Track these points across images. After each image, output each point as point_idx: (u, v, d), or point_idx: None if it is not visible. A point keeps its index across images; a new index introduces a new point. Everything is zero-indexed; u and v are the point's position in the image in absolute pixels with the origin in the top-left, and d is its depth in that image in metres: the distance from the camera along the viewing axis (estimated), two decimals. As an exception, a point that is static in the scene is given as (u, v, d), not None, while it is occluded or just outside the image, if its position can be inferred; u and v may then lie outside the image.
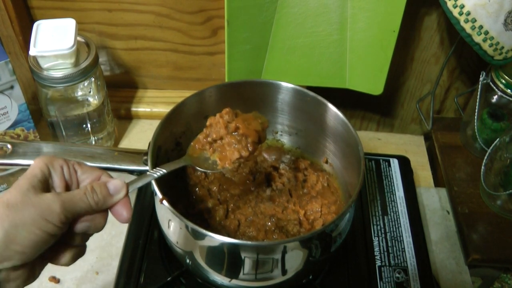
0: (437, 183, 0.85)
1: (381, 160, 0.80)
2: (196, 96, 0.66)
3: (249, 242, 0.53)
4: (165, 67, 0.89)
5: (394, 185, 0.77)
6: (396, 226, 0.72)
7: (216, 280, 0.58)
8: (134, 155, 0.59)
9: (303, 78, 0.78)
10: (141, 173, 0.59)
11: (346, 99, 0.85)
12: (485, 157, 0.74)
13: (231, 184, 0.68)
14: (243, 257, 0.52)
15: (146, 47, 0.86)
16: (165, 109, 0.85)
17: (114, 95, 0.88)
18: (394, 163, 0.80)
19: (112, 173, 0.77)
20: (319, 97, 0.66)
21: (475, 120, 0.77)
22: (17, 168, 0.75)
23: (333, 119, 0.65)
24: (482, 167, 0.74)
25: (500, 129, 0.76)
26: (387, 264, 0.67)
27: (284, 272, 0.55)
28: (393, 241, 0.70)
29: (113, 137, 0.85)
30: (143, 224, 0.69)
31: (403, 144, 0.91)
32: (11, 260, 0.39)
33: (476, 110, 0.77)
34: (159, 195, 0.53)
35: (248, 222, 0.64)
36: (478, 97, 0.76)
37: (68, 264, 0.45)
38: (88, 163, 0.57)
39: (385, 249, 0.69)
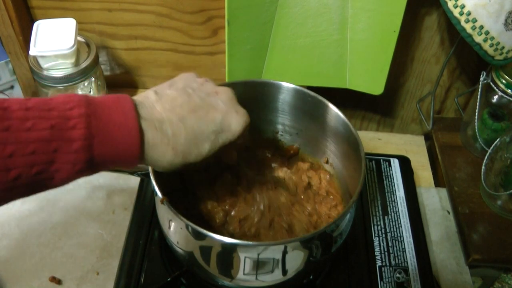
0: (438, 183, 0.85)
1: (381, 160, 0.80)
2: (196, 96, 0.66)
3: (249, 242, 0.53)
4: (165, 67, 0.89)
5: (394, 185, 0.77)
6: (397, 226, 0.72)
7: (216, 280, 0.58)
8: (135, 155, 0.59)
9: (304, 78, 0.78)
10: (142, 174, 0.60)
11: (346, 99, 0.85)
12: (486, 157, 0.74)
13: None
14: (243, 258, 0.52)
15: (146, 47, 0.85)
16: (165, 109, 0.85)
17: (114, 95, 0.88)
18: (395, 163, 0.80)
19: (113, 174, 0.78)
20: (320, 97, 0.66)
21: (476, 120, 0.77)
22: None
23: (334, 119, 0.65)
24: (483, 167, 0.74)
25: (500, 129, 0.76)
26: (387, 264, 0.67)
27: (284, 272, 0.55)
28: (394, 241, 0.70)
29: (113, 137, 0.85)
30: (144, 224, 0.69)
31: (404, 144, 0.91)
32: None
33: (477, 110, 0.77)
34: (159, 195, 0.53)
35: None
36: (478, 97, 0.76)
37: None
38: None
39: (385, 249, 0.69)
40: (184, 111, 0.46)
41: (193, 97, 0.47)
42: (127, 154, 0.42)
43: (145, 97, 0.46)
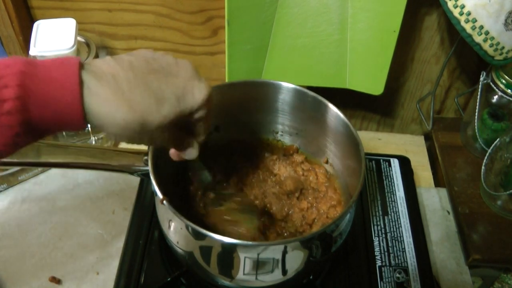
0: (438, 183, 0.85)
1: (381, 160, 0.80)
2: (196, 96, 0.66)
3: (249, 242, 0.53)
4: (165, 67, 0.88)
5: (394, 185, 0.77)
6: (397, 226, 0.72)
7: (216, 280, 0.58)
8: (135, 155, 0.59)
9: (304, 78, 0.78)
10: (142, 174, 0.60)
11: (346, 99, 0.85)
12: (486, 157, 0.74)
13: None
14: (243, 258, 0.52)
15: (146, 47, 0.85)
16: (165, 109, 0.85)
17: (114, 95, 0.88)
18: (395, 163, 0.80)
19: (113, 174, 0.78)
20: (320, 97, 0.66)
21: (476, 120, 0.77)
22: (17, 168, 0.75)
23: (334, 119, 0.65)
24: (483, 167, 0.74)
25: (500, 129, 0.76)
26: (387, 264, 0.67)
27: (284, 272, 0.55)
28: (394, 241, 0.70)
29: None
30: (144, 225, 0.69)
31: (404, 144, 0.91)
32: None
33: (477, 110, 0.77)
34: (159, 195, 0.53)
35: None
36: (478, 97, 0.76)
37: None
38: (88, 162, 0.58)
39: (385, 249, 0.69)
40: (143, 70, 0.43)
41: (152, 64, 0.45)
42: (69, 112, 0.39)
43: (100, 59, 0.43)
